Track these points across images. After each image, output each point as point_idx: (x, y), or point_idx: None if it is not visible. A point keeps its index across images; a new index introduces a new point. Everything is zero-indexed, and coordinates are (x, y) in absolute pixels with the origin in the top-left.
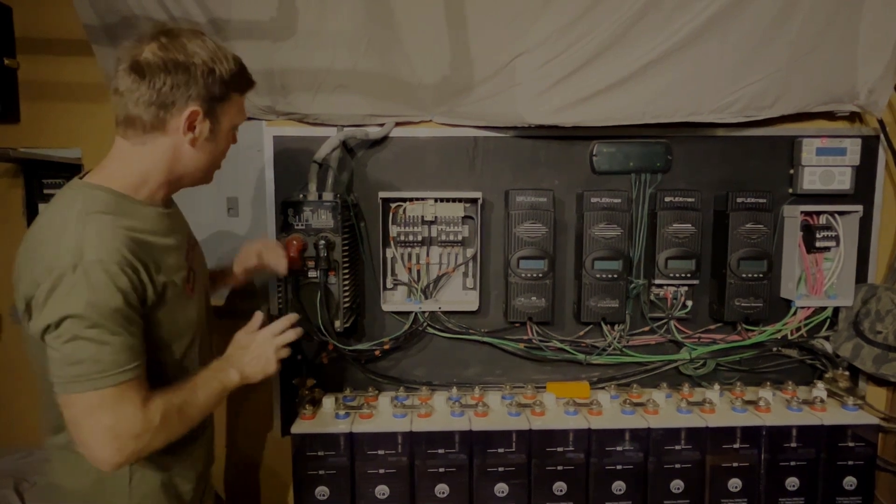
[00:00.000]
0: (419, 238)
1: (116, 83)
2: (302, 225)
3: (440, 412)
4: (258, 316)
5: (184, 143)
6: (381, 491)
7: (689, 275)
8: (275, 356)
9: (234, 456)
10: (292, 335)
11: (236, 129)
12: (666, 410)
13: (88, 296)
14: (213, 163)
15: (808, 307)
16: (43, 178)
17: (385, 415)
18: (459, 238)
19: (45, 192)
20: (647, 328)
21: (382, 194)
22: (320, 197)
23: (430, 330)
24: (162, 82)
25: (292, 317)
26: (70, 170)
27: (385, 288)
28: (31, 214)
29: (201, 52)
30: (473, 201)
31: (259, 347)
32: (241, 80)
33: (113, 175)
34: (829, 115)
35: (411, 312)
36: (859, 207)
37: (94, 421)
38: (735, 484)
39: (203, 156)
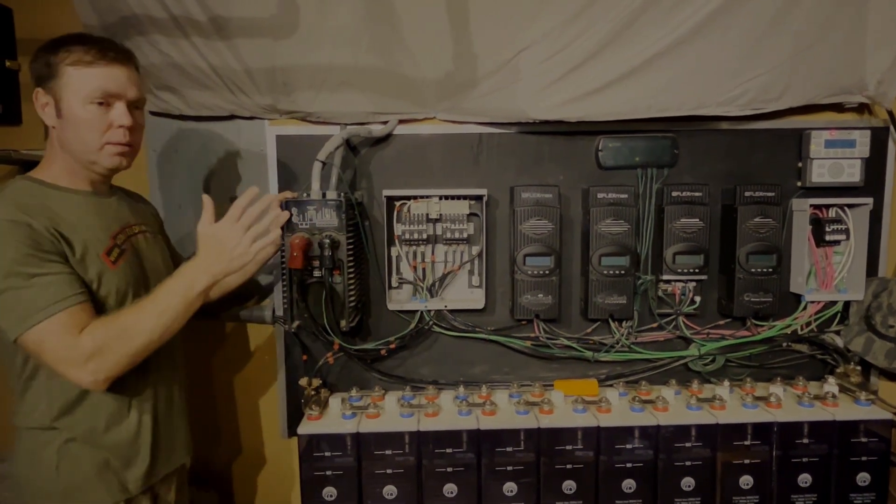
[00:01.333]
0: (424, 236)
1: None
2: (306, 224)
3: (447, 411)
4: (207, 201)
5: (48, 127)
6: (389, 491)
7: (697, 270)
8: (246, 253)
9: (241, 457)
10: (270, 221)
11: (99, 98)
12: (675, 407)
13: None
14: (86, 139)
15: (819, 301)
16: None
17: (392, 414)
18: (465, 235)
19: None
20: (655, 324)
21: (387, 192)
22: (324, 196)
23: (436, 329)
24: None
25: (251, 192)
26: None
27: (390, 287)
28: None
29: (48, 42)
30: (478, 198)
31: (221, 243)
32: (72, 52)
33: (39, 168)
34: (838, 107)
35: (417, 311)
36: (869, 200)
37: (46, 353)
38: (747, 481)
39: (67, 134)
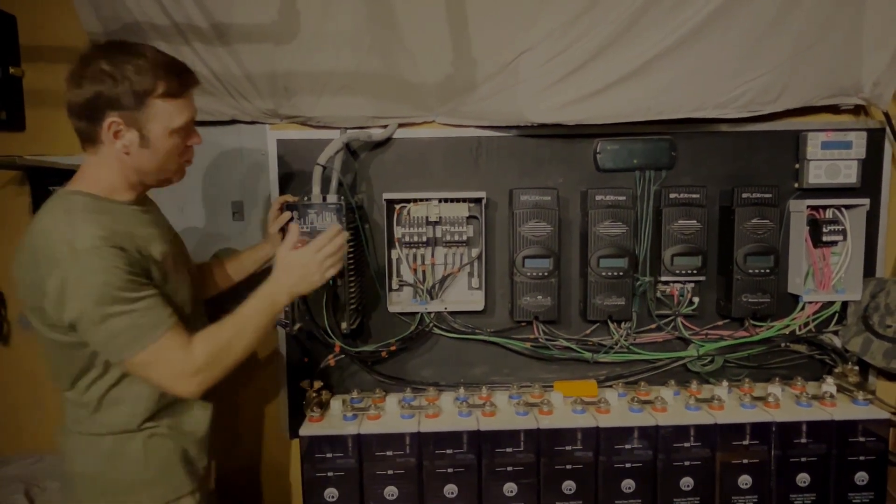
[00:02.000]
0: (424, 239)
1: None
2: (307, 228)
3: (448, 412)
4: (294, 229)
5: (120, 152)
6: (390, 492)
7: (695, 271)
8: (321, 275)
9: (243, 458)
10: (337, 247)
11: (184, 128)
12: (674, 408)
13: (97, 280)
14: (166, 164)
15: (816, 302)
16: (49, 185)
17: (393, 416)
18: (464, 238)
19: None
20: (653, 325)
21: (387, 195)
22: (324, 199)
23: (437, 330)
24: (81, 95)
25: (334, 228)
26: None
27: (391, 289)
28: None
29: (119, 63)
30: (477, 201)
31: (302, 265)
32: (162, 85)
33: (87, 182)
34: (834, 109)
35: (417, 313)
36: (866, 201)
37: (154, 372)
38: (745, 481)
39: (146, 161)
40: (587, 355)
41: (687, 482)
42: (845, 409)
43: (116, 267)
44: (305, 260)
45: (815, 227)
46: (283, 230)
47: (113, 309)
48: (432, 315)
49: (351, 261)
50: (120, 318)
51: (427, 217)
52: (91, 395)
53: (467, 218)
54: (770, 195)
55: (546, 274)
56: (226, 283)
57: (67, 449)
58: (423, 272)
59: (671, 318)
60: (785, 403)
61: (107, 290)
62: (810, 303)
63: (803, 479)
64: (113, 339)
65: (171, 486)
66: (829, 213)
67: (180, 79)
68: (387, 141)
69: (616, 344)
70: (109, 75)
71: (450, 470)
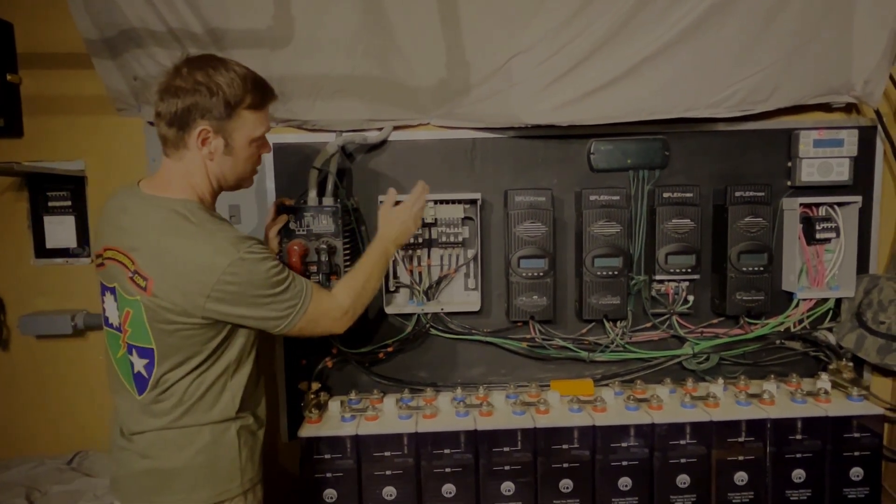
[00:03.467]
0: (420, 240)
1: (156, 107)
2: (303, 230)
3: (445, 413)
4: (392, 192)
5: (205, 158)
6: (389, 492)
7: (689, 270)
8: (414, 222)
9: None
10: (424, 198)
11: (261, 137)
12: (670, 406)
13: (262, 269)
14: (243, 171)
15: (810, 299)
16: (48, 191)
17: (390, 416)
18: (460, 239)
19: (50, 204)
20: (649, 324)
21: (382, 198)
22: (320, 202)
23: (433, 331)
24: (176, 105)
25: (421, 184)
26: (74, 182)
27: (387, 291)
28: (37, 228)
29: (213, 75)
30: (473, 202)
31: (402, 221)
32: (249, 97)
33: (181, 189)
34: (826, 107)
35: (414, 314)
36: (858, 198)
37: (318, 325)
38: (741, 477)
39: (227, 167)
40: (583, 354)
41: (683, 479)
42: (840, 406)
43: (268, 256)
44: (403, 216)
45: (809, 224)
46: (281, 233)
47: (279, 289)
48: (429, 316)
49: (347, 263)
50: (286, 292)
51: (423, 219)
52: (201, 383)
53: (463, 219)
54: (763, 193)
55: (541, 274)
56: None
57: (154, 447)
58: (420, 273)
59: (666, 316)
60: (780, 400)
61: (271, 274)
62: (804, 300)
63: (799, 475)
64: (288, 308)
65: (253, 473)
66: (821, 211)
67: (265, 92)
68: (382, 143)
69: (612, 343)
70: (206, 87)
71: (447, 470)
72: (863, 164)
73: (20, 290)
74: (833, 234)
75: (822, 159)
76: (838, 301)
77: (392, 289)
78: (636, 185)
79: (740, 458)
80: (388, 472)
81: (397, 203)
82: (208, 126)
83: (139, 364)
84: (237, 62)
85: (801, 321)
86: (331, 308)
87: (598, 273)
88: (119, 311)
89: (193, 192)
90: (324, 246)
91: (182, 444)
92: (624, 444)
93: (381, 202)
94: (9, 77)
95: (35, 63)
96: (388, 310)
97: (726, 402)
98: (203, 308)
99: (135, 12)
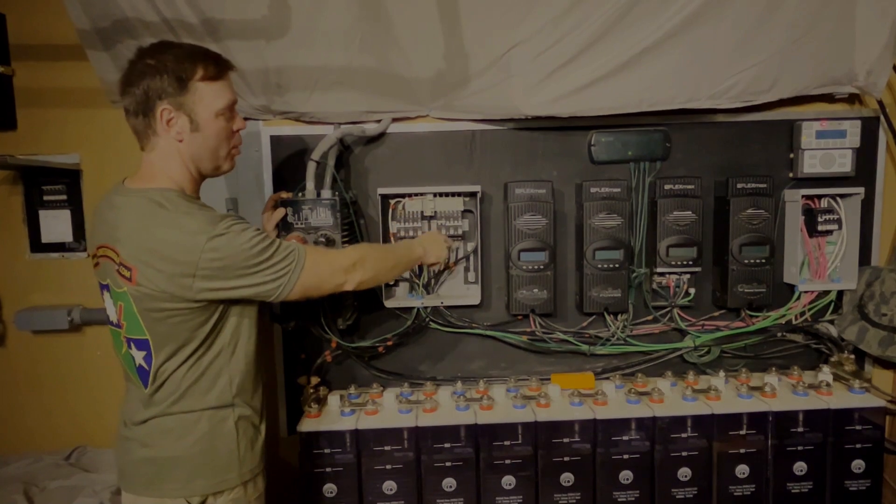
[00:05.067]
0: (419, 233)
1: (123, 104)
2: (301, 223)
3: (445, 406)
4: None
5: (175, 141)
6: (389, 486)
7: (690, 262)
8: (444, 251)
9: None
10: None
11: (226, 110)
12: (671, 399)
13: (243, 240)
14: (215, 147)
15: (812, 291)
16: (42, 185)
17: (390, 411)
18: (459, 232)
19: (45, 198)
20: (650, 317)
21: (381, 190)
22: (319, 195)
23: (433, 325)
24: (135, 93)
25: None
26: (69, 175)
27: (387, 284)
28: (32, 221)
29: (161, 57)
30: (472, 195)
31: (436, 236)
32: (200, 69)
33: (159, 179)
34: (828, 98)
35: (413, 308)
36: (861, 190)
37: (322, 274)
38: (743, 470)
39: (198, 146)
40: (584, 348)
41: (685, 472)
42: (841, 398)
43: (249, 227)
44: (439, 235)
45: (811, 216)
46: (279, 226)
47: (263, 255)
48: (429, 310)
49: None
50: (273, 257)
51: (422, 212)
52: (198, 368)
53: (462, 212)
54: (765, 185)
55: (542, 267)
56: None
57: (153, 435)
58: (419, 267)
59: (667, 309)
60: (781, 393)
61: (251, 242)
62: (806, 292)
63: (800, 467)
64: (279, 275)
65: (253, 464)
66: (824, 203)
67: (217, 62)
68: (381, 136)
69: (613, 336)
70: (153, 67)
71: (448, 464)
72: (865, 156)
73: (16, 285)
74: (835, 226)
75: (825, 150)
76: (840, 293)
77: (391, 282)
78: (637, 177)
79: (742, 450)
80: (388, 467)
81: None
82: (168, 106)
83: (139, 357)
84: (189, 43)
85: (802, 313)
86: (334, 259)
87: (599, 266)
88: (115, 307)
89: (171, 180)
90: (322, 239)
91: (180, 432)
92: (625, 438)
93: (379, 194)
94: (1, 69)
95: (28, 54)
96: (388, 303)
97: (727, 395)
98: (193, 289)
99: (128, 2)
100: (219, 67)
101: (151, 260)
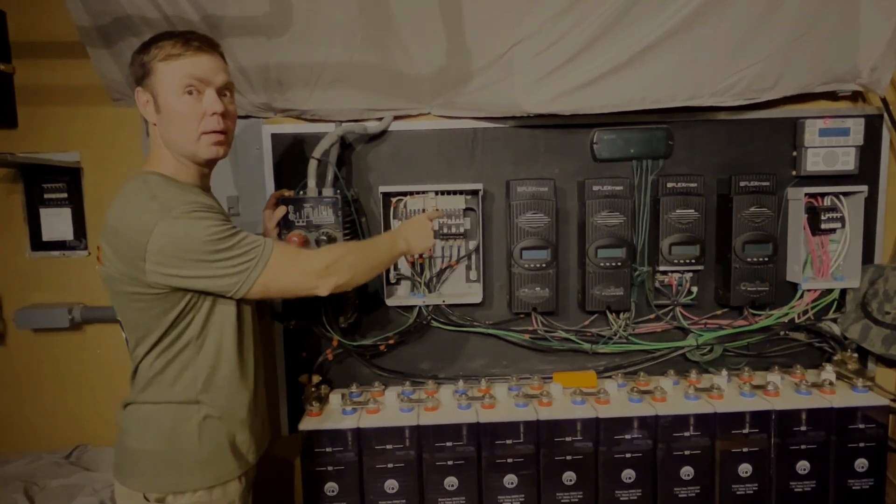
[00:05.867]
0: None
1: None
2: (303, 221)
3: (447, 405)
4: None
5: (152, 125)
6: (390, 485)
7: (693, 260)
8: (430, 239)
9: None
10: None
11: (185, 88)
12: (674, 397)
13: (200, 227)
14: (180, 129)
15: (815, 290)
16: (42, 182)
17: (392, 409)
18: (461, 230)
19: (46, 196)
20: (652, 315)
21: (383, 189)
22: (320, 193)
23: (435, 323)
24: (131, 82)
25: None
26: (69, 173)
27: (388, 283)
28: (32, 219)
29: (141, 46)
30: (474, 193)
31: (419, 224)
32: (160, 51)
33: (150, 164)
34: (832, 96)
35: (415, 306)
36: (864, 188)
37: (287, 276)
38: (745, 469)
39: (164, 127)
40: (586, 346)
41: (687, 471)
42: (845, 397)
43: (214, 217)
44: (423, 223)
45: (814, 214)
46: (280, 224)
47: (221, 245)
48: (430, 308)
49: None
50: (229, 253)
51: (424, 210)
52: (164, 358)
53: (464, 210)
54: (768, 183)
55: (544, 265)
56: None
57: (128, 423)
58: (421, 265)
59: (670, 307)
60: (784, 391)
61: (208, 234)
62: (809, 290)
63: (803, 466)
64: (236, 272)
65: (222, 469)
66: (827, 201)
67: (177, 40)
68: (382, 133)
69: (615, 334)
70: (132, 57)
71: (450, 462)
72: (869, 154)
73: (16, 284)
74: (838, 224)
75: (828, 148)
76: (843, 291)
77: (393, 281)
78: (639, 175)
79: (744, 449)
80: (389, 465)
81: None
82: (140, 88)
83: (123, 337)
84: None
85: (805, 312)
86: (305, 258)
87: (601, 264)
88: None
89: (162, 165)
90: (324, 237)
91: (145, 424)
92: (627, 437)
93: (380, 192)
94: (1, 67)
95: (29, 52)
96: (389, 302)
97: (730, 394)
98: (146, 272)
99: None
100: (184, 46)
101: (112, 238)
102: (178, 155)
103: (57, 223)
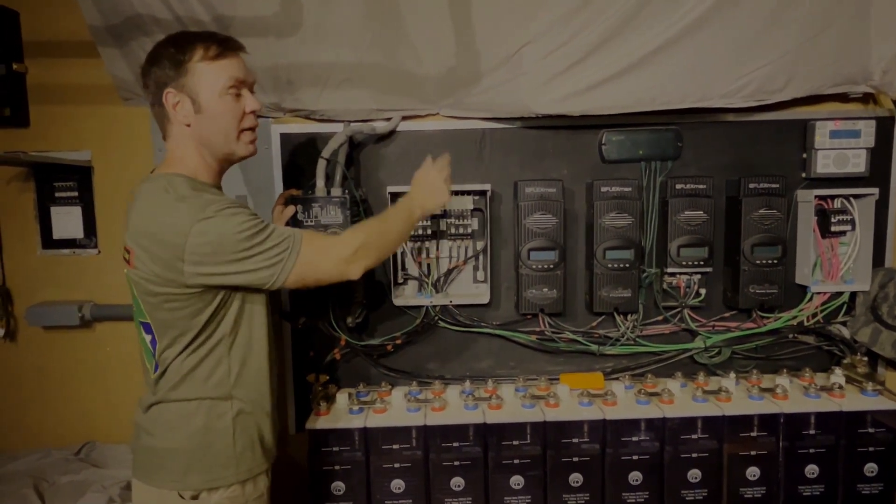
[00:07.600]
0: (429, 232)
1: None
2: (311, 221)
3: (454, 405)
4: (428, 160)
5: (183, 125)
6: (397, 485)
7: (701, 262)
8: (446, 186)
9: None
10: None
11: (231, 88)
12: (681, 400)
13: (232, 224)
14: (223, 128)
15: (825, 293)
16: (54, 181)
17: (399, 409)
18: (469, 231)
19: (57, 195)
20: (660, 317)
21: (391, 189)
22: (329, 193)
23: (442, 324)
24: (148, 84)
25: (447, 157)
26: (81, 172)
27: (396, 283)
28: (43, 217)
29: (163, 45)
30: (482, 193)
31: (429, 183)
32: (200, 50)
33: (174, 165)
34: (843, 97)
35: (422, 307)
36: (875, 190)
37: (320, 262)
38: (753, 472)
39: (205, 128)
40: (593, 348)
41: (694, 474)
42: (854, 400)
43: (245, 213)
44: (436, 181)
45: (824, 217)
46: (289, 224)
47: (253, 240)
48: (437, 308)
49: None
50: (265, 243)
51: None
52: (197, 356)
53: (472, 210)
54: (777, 185)
55: (551, 266)
56: None
57: (153, 423)
58: (428, 265)
59: (678, 309)
60: (793, 395)
61: (241, 228)
62: (818, 293)
63: (812, 470)
64: (272, 263)
65: (252, 463)
66: (837, 203)
67: (218, 42)
68: (391, 134)
69: (622, 336)
70: (157, 56)
71: (456, 463)
72: (880, 156)
73: (27, 281)
74: (848, 227)
75: (838, 150)
76: (853, 295)
77: (400, 281)
78: (648, 177)
79: (752, 452)
80: (396, 465)
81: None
82: (172, 90)
83: (148, 341)
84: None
85: (814, 315)
86: (333, 245)
87: (609, 265)
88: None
89: (184, 166)
90: None
91: (177, 423)
92: (634, 439)
93: (388, 192)
94: (15, 66)
95: (41, 52)
96: (397, 302)
97: (738, 397)
98: (184, 273)
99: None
100: (221, 47)
101: (145, 243)
102: (212, 154)
103: (67, 221)
